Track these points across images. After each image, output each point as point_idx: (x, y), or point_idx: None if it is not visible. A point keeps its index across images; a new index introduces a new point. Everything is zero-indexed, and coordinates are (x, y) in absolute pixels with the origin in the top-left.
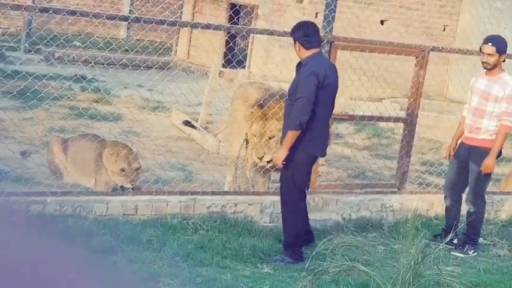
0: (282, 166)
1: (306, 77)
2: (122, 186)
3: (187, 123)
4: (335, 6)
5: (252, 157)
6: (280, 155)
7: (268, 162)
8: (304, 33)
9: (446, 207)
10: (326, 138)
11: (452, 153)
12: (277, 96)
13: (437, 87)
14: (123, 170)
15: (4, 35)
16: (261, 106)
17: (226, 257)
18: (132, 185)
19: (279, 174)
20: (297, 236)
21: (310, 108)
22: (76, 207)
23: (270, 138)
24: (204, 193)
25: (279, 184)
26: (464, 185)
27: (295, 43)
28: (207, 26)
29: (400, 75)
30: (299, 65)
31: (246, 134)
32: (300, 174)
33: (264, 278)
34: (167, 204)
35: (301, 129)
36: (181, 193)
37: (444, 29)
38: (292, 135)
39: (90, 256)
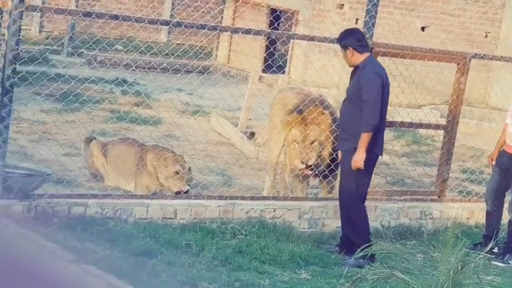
0: (345, 169)
1: (371, 78)
2: (177, 192)
3: (251, 134)
4: (375, 13)
5: (294, 162)
6: (359, 157)
7: (310, 166)
8: (357, 38)
9: (487, 212)
10: (383, 138)
11: (493, 161)
12: (317, 102)
13: (478, 94)
14: (177, 172)
15: (48, 38)
16: (299, 112)
17: (264, 262)
18: (189, 185)
19: (317, 179)
20: (365, 236)
21: (379, 108)
22: (116, 210)
23: (311, 143)
24: (243, 198)
25: (317, 190)
26: (505, 190)
27: (346, 50)
28: (248, 31)
29: (440, 81)
30: (355, 70)
31: (285, 139)
32: (364, 174)
33: (302, 283)
34: (206, 209)
35: (374, 130)
36: (220, 197)
37: (486, 35)
38: (367, 137)
39: None
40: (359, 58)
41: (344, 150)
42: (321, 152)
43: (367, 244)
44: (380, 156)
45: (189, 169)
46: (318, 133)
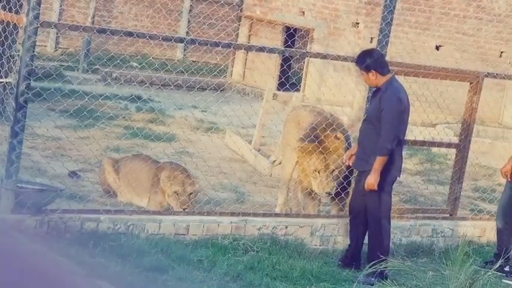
0: (366, 192)
1: (392, 103)
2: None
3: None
4: (389, 32)
5: (317, 190)
6: (373, 180)
7: (330, 193)
8: (379, 60)
9: (497, 231)
10: (402, 159)
11: (509, 175)
12: (330, 120)
13: (492, 113)
14: (176, 193)
15: (63, 54)
16: (312, 130)
17: (275, 279)
18: (185, 208)
19: (329, 197)
20: (385, 255)
21: (397, 133)
22: (129, 225)
23: (332, 171)
24: (255, 214)
25: (329, 207)
26: None
27: (368, 72)
28: (262, 49)
29: (454, 100)
30: (377, 91)
31: (297, 162)
32: (385, 196)
33: None
34: (218, 225)
35: (389, 154)
36: (233, 214)
37: (500, 55)
38: (382, 161)
39: None
40: (381, 80)
41: (362, 171)
42: (335, 171)
43: (376, 261)
44: (398, 177)
45: (192, 193)
46: (333, 162)
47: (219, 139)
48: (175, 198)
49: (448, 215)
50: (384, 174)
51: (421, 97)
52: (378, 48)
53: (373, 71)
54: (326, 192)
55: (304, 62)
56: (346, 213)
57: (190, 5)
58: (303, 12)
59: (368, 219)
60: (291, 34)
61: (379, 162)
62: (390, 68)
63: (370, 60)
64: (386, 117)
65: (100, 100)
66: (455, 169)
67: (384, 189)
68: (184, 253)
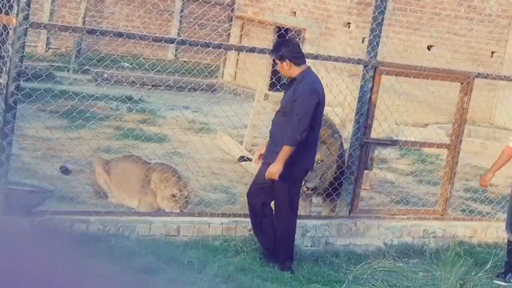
0: (277, 182)
1: (307, 94)
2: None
3: (242, 158)
4: (380, 32)
5: (305, 189)
6: (276, 170)
7: (312, 189)
8: (294, 50)
9: (508, 242)
10: (315, 153)
11: (487, 184)
12: (325, 127)
13: (483, 113)
14: (173, 195)
15: (54, 55)
16: None
17: (266, 280)
18: (181, 211)
19: (320, 198)
20: (292, 248)
21: (307, 124)
22: (119, 226)
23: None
24: (246, 215)
25: (320, 208)
26: None
27: (282, 61)
28: (252, 49)
29: (446, 100)
30: (291, 82)
31: None
32: (295, 187)
33: None
34: (209, 226)
35: (297, 144)
36: (223, 215)
37: (492, 55)
38: (289, 151)
39: None
40: (296, 71)
41: (269, 163)
42: (325, 172)
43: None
44: (310, 171)
45: (187, 196)
46: (325, 152)
47: (210, 140)
48: (168, 201)
49: (439, 216)
50: (294, 166)
51: (413, 97)
52: (368, 48)
53: (287, 61)
54: (305, 187)
55: None
56: (337, 214)
57: (182, 6)
58: (294, 12)
59: (276, 212)
60: (283, 34)
61: (285, 152)
62: (381, 68)
63: (285, 50)
64: (299, 107)
65: (91, 101)
66: (447, 169)
67: (293, 181)
68: (175, 254)
